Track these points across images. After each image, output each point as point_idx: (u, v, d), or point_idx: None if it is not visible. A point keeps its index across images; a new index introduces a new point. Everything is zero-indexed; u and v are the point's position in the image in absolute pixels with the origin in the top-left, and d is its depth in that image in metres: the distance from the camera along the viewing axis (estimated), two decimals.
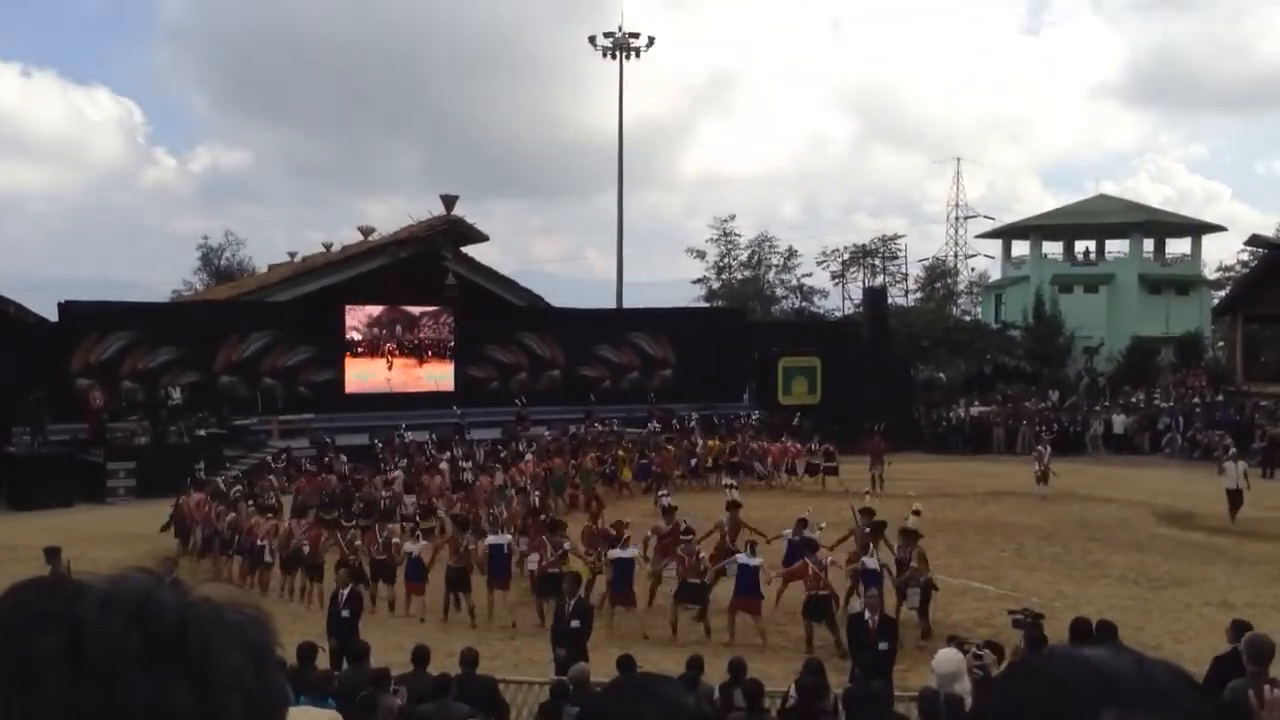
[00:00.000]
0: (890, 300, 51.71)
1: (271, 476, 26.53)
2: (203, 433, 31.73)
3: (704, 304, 58.76)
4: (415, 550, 17.33)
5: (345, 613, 13.79)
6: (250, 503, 21.72)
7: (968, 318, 60.20)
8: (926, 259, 66.22)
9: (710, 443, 31.67)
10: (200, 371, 34.47)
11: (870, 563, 15.14)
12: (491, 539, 17.32)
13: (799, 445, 31.45)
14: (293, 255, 45.20)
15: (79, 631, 0.79)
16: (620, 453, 29.55)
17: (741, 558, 15.59)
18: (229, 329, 35.36)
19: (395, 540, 18.05)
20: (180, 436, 31.26)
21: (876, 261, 63.32)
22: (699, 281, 62.72)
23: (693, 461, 30.09)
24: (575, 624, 12.84)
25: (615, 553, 16.15)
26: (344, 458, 29.69)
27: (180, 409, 32.37)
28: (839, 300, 63.01)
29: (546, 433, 33.19)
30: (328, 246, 41.69)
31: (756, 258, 62.73)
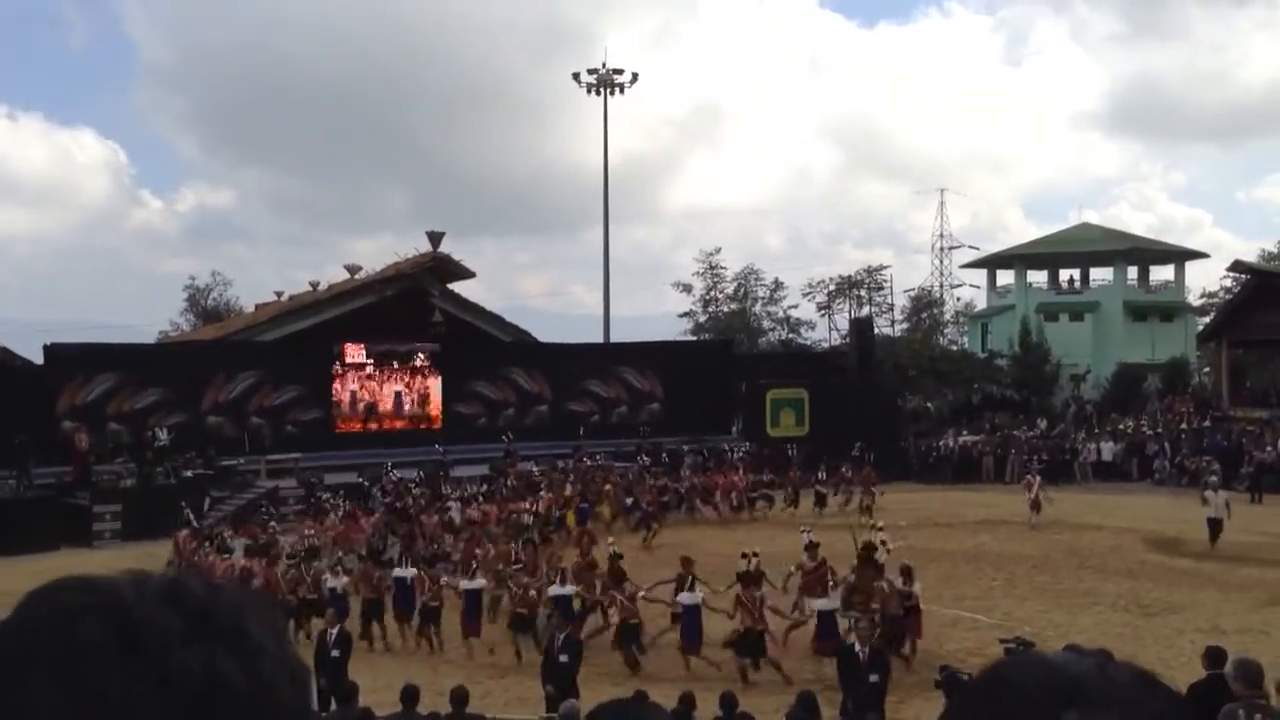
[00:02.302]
0: (876, 330, 51.72)
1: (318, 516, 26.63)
2: (190, 474, 31.56)
3: (691, 337, 58.81)
4: (337, 586, 17.86)
5: (334, 653, 13.71)
6: (209, 543, 22.12)
7: (954, 347, 60.35)
8: (912, 289, 66.57)
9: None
10: (187, 412, 34.36)
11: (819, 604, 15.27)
12: (397, 572, 18.08)
13: (743, 477, 31.00)
14: (280, 294, 45.14)
15: (124, 616, 0.82)
16: (565, 491, 28.37)
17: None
18: (216, 369, 35.28)
19: (325, 578, 18.36)
20: (167, 478, 31.09)
21: (862, 292, 63.51)
22: (686, 315, 62.80)
23: (629, 500, 28.69)
24: (564, 659, 12.76)
25: (464, 584, 16.99)
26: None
27: (167, 450, 32.22)
28: (825, 331, 63.16)
29: (534, 468, 33.07)
30: (315, 285, 41.68)
31: (743, 290, 62.87)
